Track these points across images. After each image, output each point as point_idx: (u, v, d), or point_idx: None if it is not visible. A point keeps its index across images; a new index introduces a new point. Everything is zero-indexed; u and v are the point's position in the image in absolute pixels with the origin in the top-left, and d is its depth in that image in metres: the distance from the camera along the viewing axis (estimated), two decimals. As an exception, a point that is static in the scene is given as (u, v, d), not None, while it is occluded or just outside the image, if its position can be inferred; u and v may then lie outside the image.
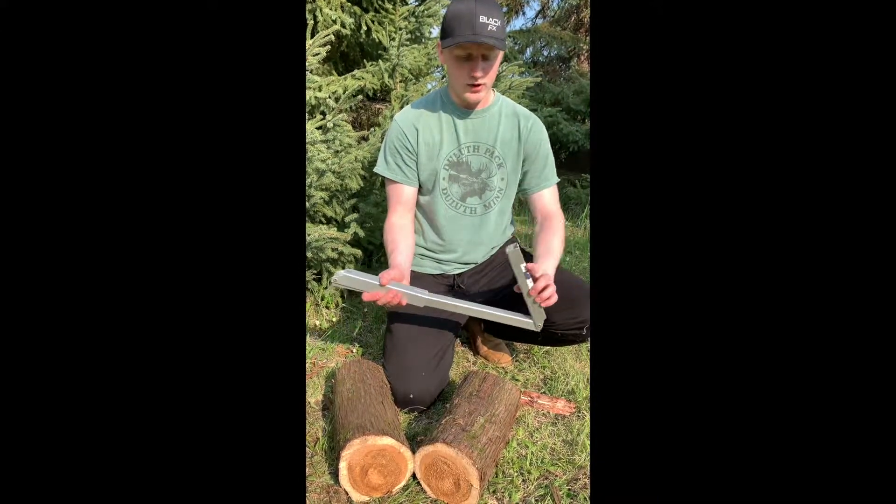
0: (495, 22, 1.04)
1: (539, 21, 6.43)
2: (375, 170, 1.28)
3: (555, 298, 1.05)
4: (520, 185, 1.31)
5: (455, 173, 1.25)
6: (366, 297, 1.03)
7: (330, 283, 1.71)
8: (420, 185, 1.27)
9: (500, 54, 1.12)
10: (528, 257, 1.30)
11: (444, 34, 1.09)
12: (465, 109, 1.21)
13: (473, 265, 1.34)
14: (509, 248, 1.02)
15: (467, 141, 1.23)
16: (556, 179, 1.31)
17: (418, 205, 1.30)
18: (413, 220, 1.29)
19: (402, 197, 1.25)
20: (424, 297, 1.06)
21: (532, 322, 1.09)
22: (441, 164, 1.23)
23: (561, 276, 1.23)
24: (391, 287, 1.02)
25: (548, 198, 1.30)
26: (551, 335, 1.24)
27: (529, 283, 1.04)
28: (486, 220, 1.29)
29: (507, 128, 1.24)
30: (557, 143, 3.76)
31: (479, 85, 1.11)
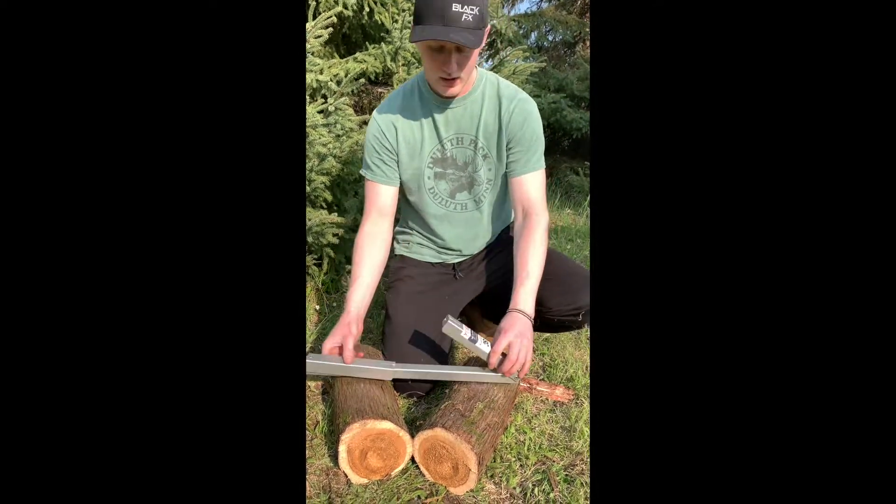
0: (471, 10, 0.89)
1: (545, 4, 6.31)
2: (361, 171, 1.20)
3: (525, 369, 0.98)
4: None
5: (440, 170, 1.17)
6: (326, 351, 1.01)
7: (330, 269, 1.71)
8: (404, 185, 1.19)
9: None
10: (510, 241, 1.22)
11: (415, 20, 0.94)
12: (445, 98, 1.10)
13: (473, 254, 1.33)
14: (445, 327, 0.98)
15: (449, 134, 1.14)
16: (543, 165, 1.17)
17: (410, 204, 1.24)
18: (389, 227, 1.19)
19: (379, 200, 1.16)
20: (391, 370, 1.02)
21: (501, 376, 1.01)
22: (425, 163, 1.16)
23: (558, 262, 1.22)
24: (357, 366, 1.00)
25: (531, 185, 1.14)
26: (548, 321, 1.22)
27: (482, 346, 1.00)
28: (479, 214, 1.23)
29: (489, 113, 1.13)
30: (561, 130, 3.71)
31: (453, 79, 1.00)
